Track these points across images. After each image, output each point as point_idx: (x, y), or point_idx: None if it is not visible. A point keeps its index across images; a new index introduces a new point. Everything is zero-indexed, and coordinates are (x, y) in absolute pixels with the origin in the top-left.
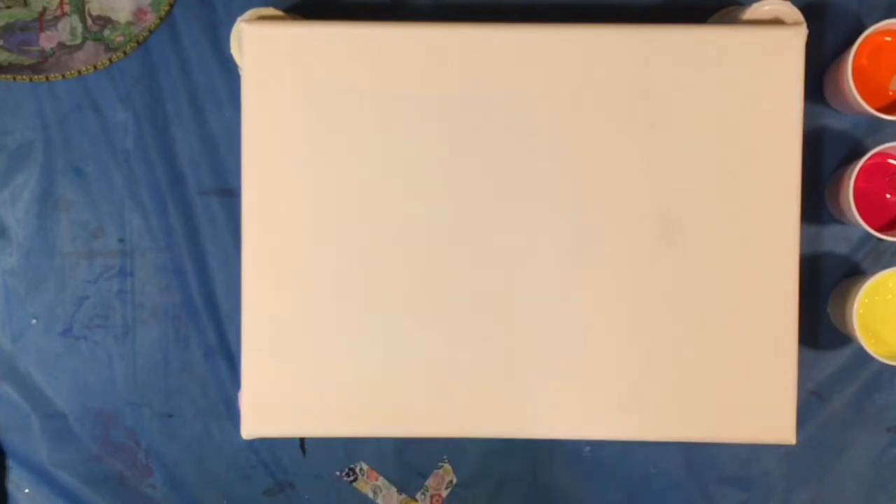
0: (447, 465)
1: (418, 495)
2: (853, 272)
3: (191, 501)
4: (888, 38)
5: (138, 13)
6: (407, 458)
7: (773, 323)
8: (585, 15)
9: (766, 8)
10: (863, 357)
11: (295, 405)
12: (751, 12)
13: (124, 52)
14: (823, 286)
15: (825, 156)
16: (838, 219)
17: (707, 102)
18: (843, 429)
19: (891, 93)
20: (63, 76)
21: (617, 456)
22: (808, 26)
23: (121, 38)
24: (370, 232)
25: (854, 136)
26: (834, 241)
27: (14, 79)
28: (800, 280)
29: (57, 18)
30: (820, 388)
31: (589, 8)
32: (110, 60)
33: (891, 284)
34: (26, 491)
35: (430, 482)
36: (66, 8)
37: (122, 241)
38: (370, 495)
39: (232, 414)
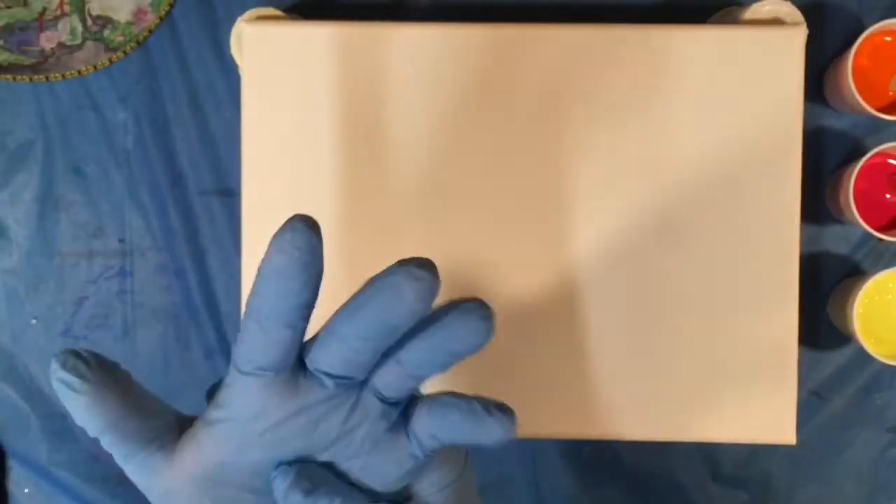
0: None
1: None
2: (853, 272)
3: None
4: (888, 38)
5: (138, 13)
6: None
7: (774, 323)
8: (585, 15)
9: (767, 8)
10: (863, 357)
11: None
12: (751, 12)
13: (124, 52)
14: (823, 286)
15: (825, 156)
16: (838, 219)
17: (707, 102)
18: (843, 429)
19: (891, 93)
20: (63, 76)
21: (617, 456)
22: (808, 26)
23: (121, 38)
24: (370, 232)
25: (854, 136)
26: (834, 241)
27: (14, 79)
28: (800, 280)
29: (57, 18)
30: (820, 388)
31: (589, 8)
32: (110, 60)
33: (891, 284)
34: (26, 491)
35: None
36: (66, 8)
37: (122, 241)
38: None
39: None
